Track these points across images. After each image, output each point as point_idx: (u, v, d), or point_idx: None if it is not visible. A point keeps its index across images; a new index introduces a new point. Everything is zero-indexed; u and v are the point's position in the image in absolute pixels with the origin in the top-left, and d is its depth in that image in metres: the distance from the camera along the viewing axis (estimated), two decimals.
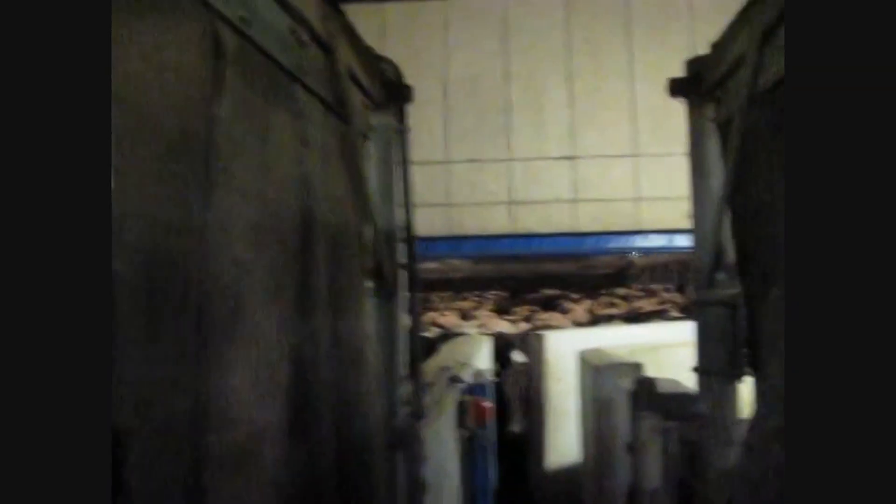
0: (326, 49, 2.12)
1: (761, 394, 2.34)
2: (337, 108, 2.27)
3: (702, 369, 2.80)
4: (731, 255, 2.70)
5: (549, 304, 19.03)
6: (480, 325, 12.89)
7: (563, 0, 11.42)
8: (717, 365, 2.75)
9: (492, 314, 15.57)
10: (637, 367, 5.12)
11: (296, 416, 1.87)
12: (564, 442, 8.22)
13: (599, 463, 5.24)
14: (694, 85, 2.84)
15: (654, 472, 2.48)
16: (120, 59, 1.12)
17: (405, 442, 2.88)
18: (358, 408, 2.41)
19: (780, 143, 2.19)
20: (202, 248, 1.37)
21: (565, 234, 11.64)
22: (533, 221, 11.60)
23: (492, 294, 27.01)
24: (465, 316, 14.26)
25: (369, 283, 2.74)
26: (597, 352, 6.25)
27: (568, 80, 11.49)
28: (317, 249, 2.07)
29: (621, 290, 24.69)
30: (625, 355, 5.96)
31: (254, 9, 1.57)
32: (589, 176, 11.47)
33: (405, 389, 3.04)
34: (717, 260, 2.72)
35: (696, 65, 2.85)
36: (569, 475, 7.80)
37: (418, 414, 3.02)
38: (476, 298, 24.64)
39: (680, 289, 22.06)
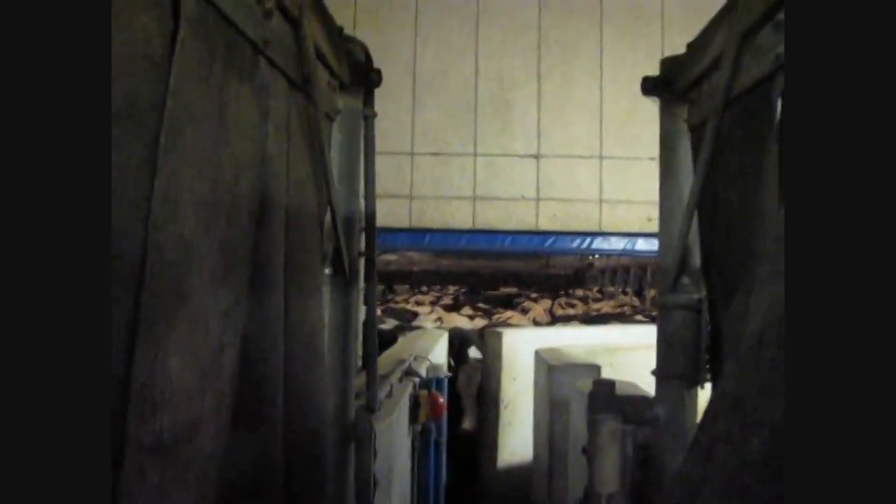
0: (293, 22, 2.03)
1: (715, 396, 2.32)
2: (302, 86, 2.17)
3: (661, 373, 2.77)
4: (696, 259, 2.67)
5: (508, 303, 19.08)
6: (437, 320, 12.83)
7: (536, 1, 11.41)
8: (677, 369, 2.71)
9: (449, 310, 15.52)
10: (594, 368, 5.10)
11: (241, 406, 1.78)
12: (518, 441, 8.21)
13: (552, 464, 5.20)
14: (668, 85, 2.79)
15: (611, 477, 2.43)
16: None
17: (357, 436, 2.81)
18: (309, 398, 2.32)
19: (753, 147, 2.16)
20: (143, 218, 1.28)
21: (527, 231, 11.64)
22: (495, 218, 11.58)
23: (451, 289, 27.06)
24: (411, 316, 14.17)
25: (326, 270, 2.66)
26: (554, 351, 6.22)
27: (537, 79, 11.48)
28: (274, 231, 1.98)
29: (580, 292, 24.91)
30: (582, 356, 5.94)
31: None
32: (553, 175, 11.48)
33: (359, 381, 2.97)
34: (683, 263, 2.68)
35: (670, 65, 2.80)
36: (521, 474, 7.78)
37: (371, 407, 2.94)
38: (435, 293, 24.64)
39: (638, 292, 22.29)
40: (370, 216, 2.87)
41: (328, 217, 2.53)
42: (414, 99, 11.26)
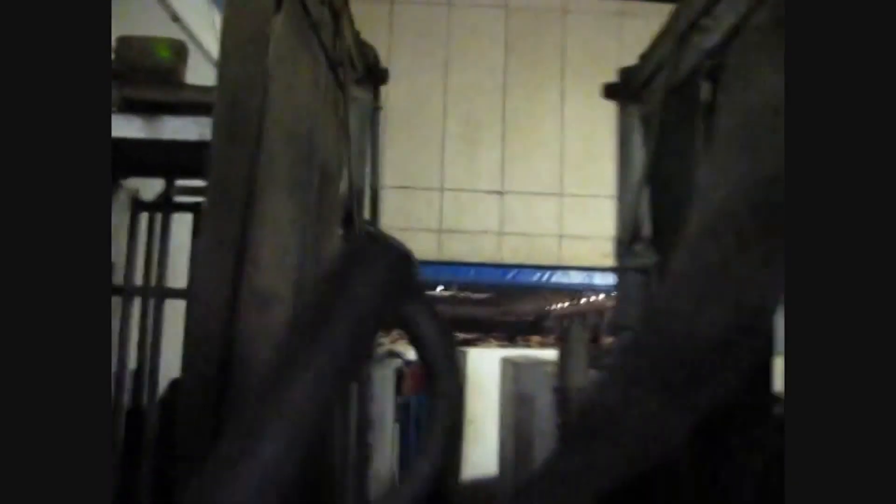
0: (334, 13, 2.58)
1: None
2: (336, 69, 2.72)
3: (618, 326, 3.31)
4: (647, 228, 3.24)
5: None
6: None
7: (503, 45, 12.15)
8: (629, 321, 3.26)
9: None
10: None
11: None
12: (481, 457, 8.58)
13: (518, 449, 5.67)
14: (624, 88, 3.41)
15: (579, 375, 2.96)
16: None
17: (358, 379, 3.28)
18: None
19: (687, 128, 2.75)
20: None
21: (490, 264, 12.19)
22: (460, 251, 12.11)
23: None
24: None
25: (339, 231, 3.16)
26: (519, 355, 6.75)
27: (502, 120, 12.16)
28: (315, 176, 2.51)
29: (537, 338, 25.39)
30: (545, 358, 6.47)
31: None
32: (516, 211, 12.09)
33: None
34: (635, 233, 3.25)
35: (626, 72, 3.42)
36: (484, 487, 8.17)
37: (369, 356, 3.43)
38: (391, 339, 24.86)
39: (594, 339, 22.88)
40: (374, 191, 3.40)
41: (345, 184, 3.05)
42: (383, 134, 11.79)
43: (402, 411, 5.21)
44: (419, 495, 1.19)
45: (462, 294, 17.57)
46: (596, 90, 10.94)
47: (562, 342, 3.24)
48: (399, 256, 1.13)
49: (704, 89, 2.51)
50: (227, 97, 1.69)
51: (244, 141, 1.77)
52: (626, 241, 3.28)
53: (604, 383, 2.08)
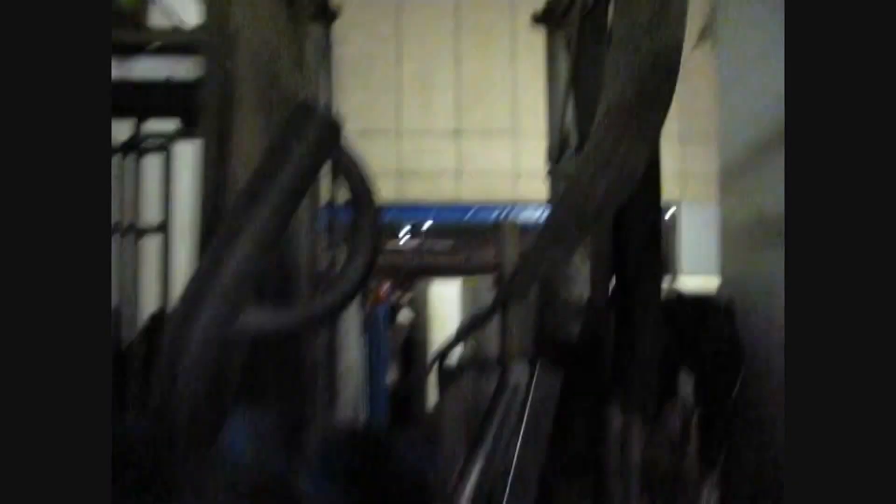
0: None
1: None
2: (291, 3, 3.08)
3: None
4: (573, 137, 3.67)
5: None
6: None
7: None
8: None
9: None
10: None
11: None
12: None
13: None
14: (550, 15, 3.82)
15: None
16: None
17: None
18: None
19: (602, 46, 3.17)
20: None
21: (450, 205, 12.58)
22: (420, 192, 12.46)
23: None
24: None
25: None
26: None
27: (456, 61, 12.47)
28: (276, 104, 2.88)
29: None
30: None
31: None
32: (473, 151, 12.47)
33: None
34: (564, 141, 3.69)
35: (552, 1, 3.83)
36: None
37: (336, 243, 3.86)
38: None
39: None
40: None
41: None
42: (339, 83, 12.06)
43: (369, 324, 5.66)
44: (346, 297, 1.62)
45: (425, 246, 17.86)
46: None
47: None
48: (328, 119, 1.54)
49: (608, 10, 2.95)
50: (208, 30, 2.10)
51: (220, 68, 2.18)
52: (556, 150, 3.72)
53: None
